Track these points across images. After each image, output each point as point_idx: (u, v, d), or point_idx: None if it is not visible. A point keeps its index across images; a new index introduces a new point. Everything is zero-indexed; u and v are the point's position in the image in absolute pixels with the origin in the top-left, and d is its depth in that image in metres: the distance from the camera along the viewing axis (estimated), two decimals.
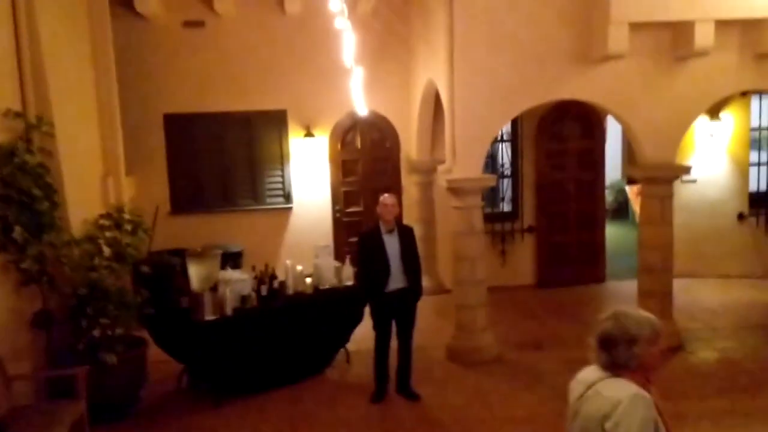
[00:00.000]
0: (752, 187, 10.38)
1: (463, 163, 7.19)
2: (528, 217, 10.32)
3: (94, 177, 8.14)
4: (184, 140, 9.81)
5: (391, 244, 6.36)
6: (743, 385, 6.62)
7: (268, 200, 10.03)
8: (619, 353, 2.80)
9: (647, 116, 7.27)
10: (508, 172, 10.34)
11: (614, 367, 2.83)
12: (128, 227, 6.41)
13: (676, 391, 6.55)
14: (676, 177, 7.53)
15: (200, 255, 6.44)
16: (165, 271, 7.01)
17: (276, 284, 7.07)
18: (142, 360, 6.45)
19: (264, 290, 6.91)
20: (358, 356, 7.44)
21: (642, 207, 7.69)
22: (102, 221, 6.38)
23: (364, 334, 7.02)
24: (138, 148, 9.35)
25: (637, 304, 7.79)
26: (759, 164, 10.37)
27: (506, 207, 10.47)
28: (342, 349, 7.48)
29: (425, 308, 6.96)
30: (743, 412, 6.05)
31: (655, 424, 2.71)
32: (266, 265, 7.16)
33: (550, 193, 10.15)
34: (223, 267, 6.92)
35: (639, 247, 7.74)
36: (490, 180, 7.50)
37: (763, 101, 10.17)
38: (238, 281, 6.67)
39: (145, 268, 6.46)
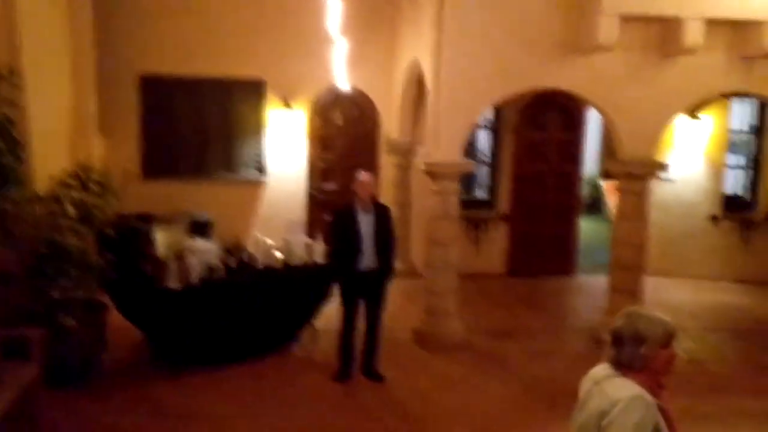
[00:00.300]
0: (726, 189, 10.42)
1: (444, 146, 7.08)
2: (503, 205, 10.27)
3: (64, 134, 7.90)
4: (159, 104, 9.57)
5: (366, 223, 6.24)
6: (704, 386, 6.65)
7: (242, 171, 9.84)
8: (625, 352, 2.74)
9: (630, 111, 7.22)
10: (486, 159, 10.25)
11: (620, 366, 2.78)
12: (95, 188, 6.19)
13: None
14: (655, 174, 7.52)
15: (168, 221, 6.27)
16: (131, 235, 6.81)
17: (245, 257, 6.93)
18: (102, 325, 6.27)
19: (232, 262, 6.76)
20: (325, 335, 7.32)
21: (618, 202, 7.67)
22: (68, 180, 6.15)
23: (332, 312, 6.91)
24: (112, 108, 9.10)
25: (607, 300, 7.79)
26: (735, 167, 10.40)
27: (482, 194, 10.39)
28: (309, 327, 7.36)
29: (395, 291, 6.88)
30: (702, 413, 6.06)
31: (655, 430, 2.65)
32: (236, 237, 7.01)
33: (527, 183, 10.11)
34: (191, 236, 6.74)
35: (612, 243, 7.72)
36: (469, 165, 7.41)
37: (743, 104, 10.19)
38: (206, 251, 6.51)
39: (109, 231, 6.26)
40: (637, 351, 2.71)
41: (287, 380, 6.44)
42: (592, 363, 6.94)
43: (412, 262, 9.93)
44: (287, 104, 9.66)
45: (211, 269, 6.49)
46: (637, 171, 7.33)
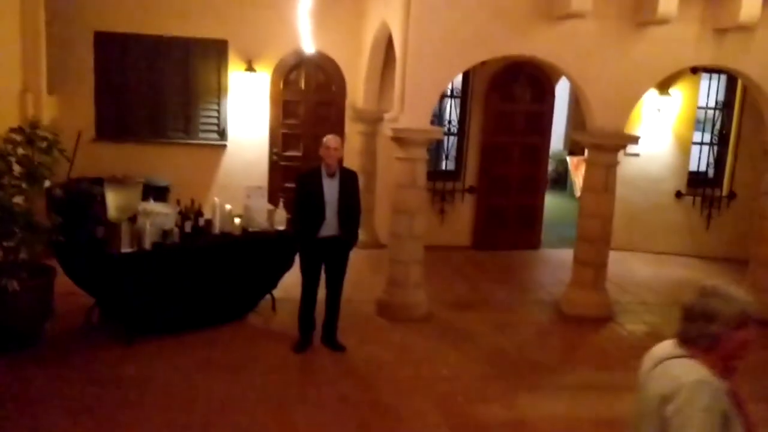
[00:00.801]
0: (692, 166, 10.42)
1: (411, 112, 6.86)
2: (470, 177, 10.11)
3: (12, 92, 7.51)
4: (115, 62, 9.16)
5: (331, 188, 6.01)
6: None
7: (201, 135, 9.49)
8: (693, 327, 2.51)
9: (602, 81, 7.09)
10: (454, 129, 10.06)
11: (686, 343, 2.54)
12: (42, 145, 5.83)
13: (602, 362, 6.51)
14: (624, 146, 7.42)
15: (120, 182, 5.95)
16: (82, 198, 6.47)
17: (201, 222, 6.65)
18: (48, 290, 5.97)
19: (188, 227, 6.48)
20: (284, 304, 7.12)
21: (586, 174, 7.57)
22: (13, 136, 5.78)
23: (293, 281, 6.69)
24: (64, 65, 8.67)
25: (571, 273, 7.72)
26: (701, 143, 10.39)
27: (449, 166, 10.22)
28: (268, 296, 7.14)
29: (358, 262, 6.69)
30: None
31: (725, 417, 2.41)
32: (192, 201, 6.72)
33: (494, 154, 9.95)
34: (146, 200, 6.45)
35: (579, 215, 7.62)
36: (437, 132, 7.21)
37: (712, 81, 10.14)
38: (160, 214, 6.21)
39: (58, 191, 5.93)
40: (706, 329, 2.47)
41: (244, 349, 6.23)
42: (556, 335, 6.88)
43: (376, 233, 9.74)
44: (250, 66, 9.31)
45: (165, 233, 6.20)
46: (606, 143, 7.22)
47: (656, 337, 7.03)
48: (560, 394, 5.80)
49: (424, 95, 6.84)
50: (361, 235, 8.92)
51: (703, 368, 2.45)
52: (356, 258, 6.39)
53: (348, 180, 6.13)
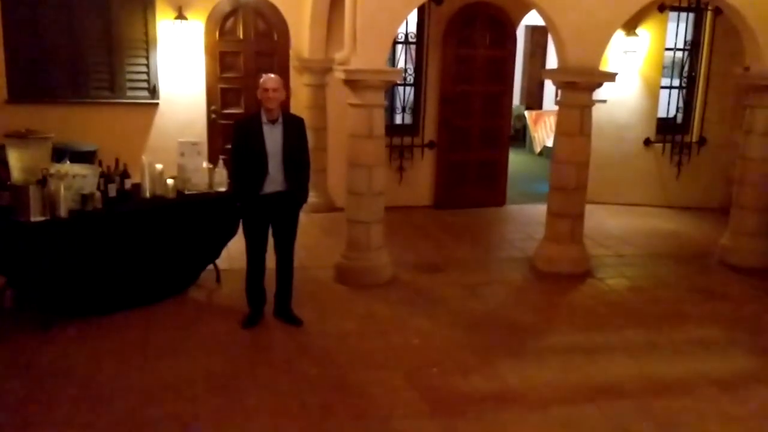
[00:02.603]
0: (661, 112, 9.87)
1: (365, 52, 6.04)
2: (429, 131, 9.36)
3: None
4: (24, 12, 8.03)
5: (273, 136, 5.19)
6: (657, 315, 6.06)
7: (129, 93, 8.47)
8: None
9: (574, 10, 6.38)
10: (411, 79, 9.26)
11: None
12: None
13: (588, 321, 5.90)
14: (600, 84, 6.76)
15: (23, 137, 4.99)
16: None
17: (128, 185, 5.76)
18: None
19: (112, 190, 5.58)
20: (230, 275, 6.33)
21: (559, 117, 6.90)
22: None
23: (239, 249, 5.86)
24: None
25: (545, 227, 7.09)
26: (670, 87, 9.83)
27: (406, 119, 9.43)
28: (211, 266, 6.31)
29: (311, 226, 5.90)
30: (661, 344, 5.46)
31: None
32: (116, 161, 5.82)
33: (454, 105, 9.20)
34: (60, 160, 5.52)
35: (552, 162, 6.97)
36: (395, 74, 6.43)
37: (680, 21, 9.56)
38: (78, 176, 5.30)
39: None
40: None
41: (185, 328, 5.41)
42: (533, 294, 6.21)
43: (330, 195, 8.95)
44: (181, 14, 8.31)
45: (84, 198, 5.30)
46: (580, 80, 6.53)
47: (639, 292, 6.56)
48: (546, 358, 5.16)
49: (379, 31, 6.03)
50: (314, 197, 8.15)
51: None
52: (309, 222, 5.63)
53: (293, 127, 5.31)
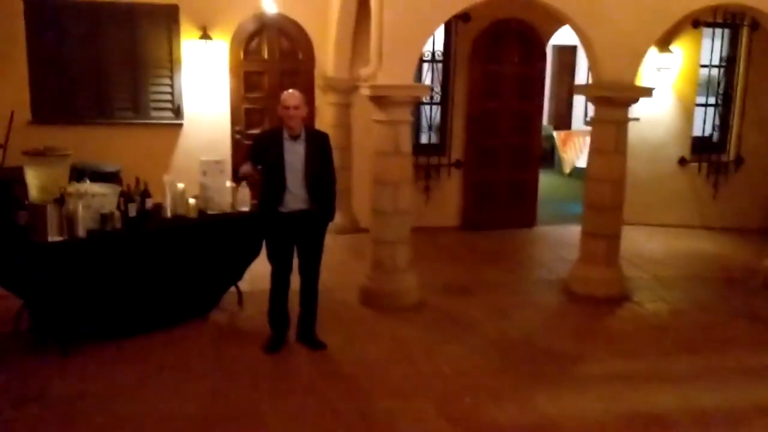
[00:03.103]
0: (696, 131, 9.56)
1: (391, 66, 5.86)
2: (456, 150, 9.14)
3: None
4: (49, 33, 8.03)
5: (293, 152, 5.01)
6: (701, 340, 5.73)
7: (153, 114, 8.41)
8: None
9: (610, 23, 6.14)
10: (437, 98, 9.08)
11: None
12: None
13: (627, 347, 5.59)
14: (636, 99, 6.48)
15: (41, 155, 4.87)
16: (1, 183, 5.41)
17: (149, 204, 5.60)
18: None
19: (132, 210, 5.43)
20: (253, 297, 6.14)
21: (593, 134, 6.64)
22: None
23: (262, 271, 5.66)
24: None
25: (579, 248, 6.80)
26: (706, 105, 9.52)
27: (433, 138, 9.22)
28: (233, 288, 6.12)
29: (336, 247, 5.69)
30: (706, 372, 5.13)
31: None
32: (137, 179, 5.67)
33: (482, 124, 8.98)
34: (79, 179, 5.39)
35: (587, 180, 6.71)
36: (423, 89, 6.28)
37: (715, 37, 9.26)
38: (97, 195, 5.16)
39: None
40: None
41: (206, 352, 5.20)
42: (569, 318, 5.91)
43: (355, 215, 8.75)
44: (205, 34, 8.24)
45: (103, 218, 5.15)
46: (616, 96, 6.28)
47: (680, 316, 6.23)
48: (585, 387, 4.87)
49: (405, 46, 5.85)
50: (338, 217, 7.93)
51: None
52: (334, 243, 5.43)
53: (316, 142, 5.12)
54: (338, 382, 4.83)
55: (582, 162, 13.42)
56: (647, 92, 6.52)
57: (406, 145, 6.09)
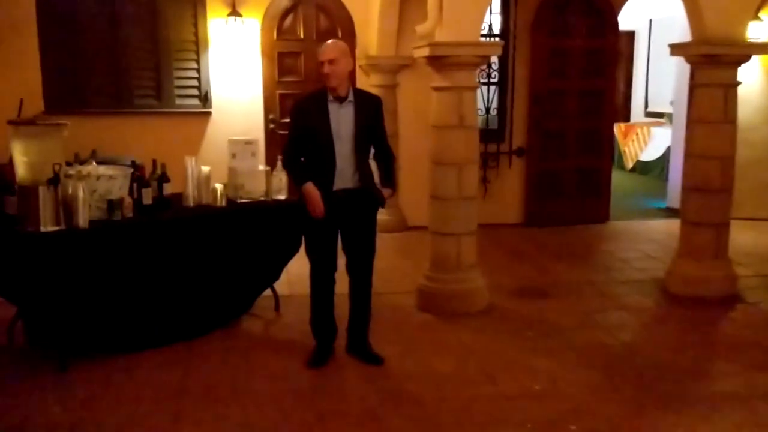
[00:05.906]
0: None
1: (455, 21, 4.87)
2: (517, 137, 8.10)
3: None
4: (62, 16, 7.22)
5: (341, 117, 4.05)
6: None
7: (178, 102, 7.53)
8: None
9: None
10: (494, 77, 8.05)
11: None
12: None
13: (757, 358, 4.47)
14: (748, 57, 5.37)
15: (30, 124, 3.97)
16: None
17: (167, 190, 4.68)
18: None
19: (147, 196, 4.51)
20: (292, 301, 5.21)
21: (695, 101, 5.55)
22: None
23: (302, 270, 4.67)
24: None
25: (679, 240, 5.71)
26: None
27: (491, 124, 8.19)
28: (268, 291, 5.17)
29: (383, 247, 4.68)
30: None
31: None
32: (154, 162, 4.78)
33: (546, 106, 7.92)
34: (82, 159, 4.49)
35: (686, 158, 5.64)
36: (493, 47, 5.24)
37: None
38: (103, 178, 4.25)
39: None
40: None
41: (235, 369, 4.24)
42: (673, 324, 4.69)
43: (402, 212, 7.78)
44: (235, 12, 7.37)
45: (111, 205, 4.24)
46: (725, 53, 5.18)
47: None
48: (719, 411, 3.76)
49: None
50: (385, 214, 7.01)
51: None
52: (381, 243, 4.44)
53: (367, 106, 4.17)
54: (401, 405, 3.81)
55: (646, 156, 12.30)
56: (762, 49, 5.40)
57: (472, 117, 5.08)
